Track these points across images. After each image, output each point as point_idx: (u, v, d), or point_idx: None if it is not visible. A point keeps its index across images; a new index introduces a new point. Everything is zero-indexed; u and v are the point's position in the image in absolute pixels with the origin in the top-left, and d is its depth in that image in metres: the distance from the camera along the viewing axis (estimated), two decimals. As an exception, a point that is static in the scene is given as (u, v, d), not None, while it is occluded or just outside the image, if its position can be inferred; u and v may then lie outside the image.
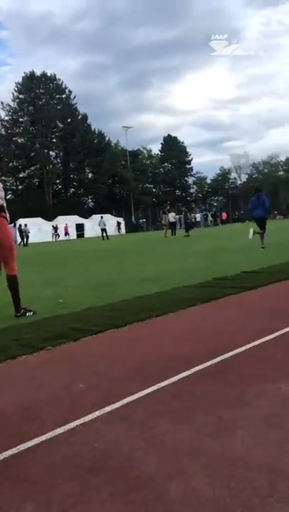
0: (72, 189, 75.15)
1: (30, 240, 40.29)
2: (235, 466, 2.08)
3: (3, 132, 68.84)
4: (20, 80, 70.16)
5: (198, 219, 51.17)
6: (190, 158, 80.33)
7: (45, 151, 69.91)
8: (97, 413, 2.76)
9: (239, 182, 79.52)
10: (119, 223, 56.23)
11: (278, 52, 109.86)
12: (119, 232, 55.02)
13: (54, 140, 71.11)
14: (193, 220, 41.64)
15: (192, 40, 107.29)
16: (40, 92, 70.47)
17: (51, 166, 71.05)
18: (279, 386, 2.96)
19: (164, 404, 2.84)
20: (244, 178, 79.18)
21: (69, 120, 71.34)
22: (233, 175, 79.62)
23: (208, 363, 3.52)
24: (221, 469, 2.07)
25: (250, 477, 1.98)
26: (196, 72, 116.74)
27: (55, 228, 50.76)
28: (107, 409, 2.83)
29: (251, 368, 3.37)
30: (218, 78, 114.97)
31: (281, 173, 75.76)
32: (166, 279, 8.31)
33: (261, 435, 2.34)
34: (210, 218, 54.18)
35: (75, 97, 72.77)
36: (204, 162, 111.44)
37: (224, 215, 58.18)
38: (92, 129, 72.66)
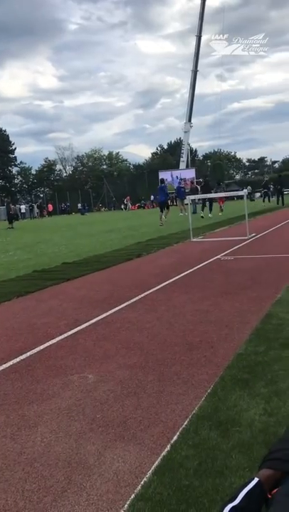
0: None
1: None
2: (33, 466, 1.99)
3: None
4: None
5: (23, 210, 49.61)
6: (13, 148, 76.98)
7: None
8: None
9: (65, 174, 79.33)
10: None
11: (98, 48, 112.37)
12: None
13: None
14: (18, 211, 40.18)
15: (12, 26, 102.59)
16: None
17: None
18: (86, 375, 2.96)
19: None
20: (69, 170, 79.28)
21: None
22: (59, 167, 78.99)
23: (17, 360, 3.35)
24: (18, 472, 1.95)
25: (47, 475, 1.91)
26: (18, 59, 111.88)
27: None
28: None
29: (60, 359, 3.31)
30: (41, 68, 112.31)
31: (104, 166, 77.99)
32: (-18, 274, 7.79)
33: (62, 429, 2.29)
34: (36, 210, 52.95)
35: None
36: (29, 152, 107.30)
37: (50, 207, 57.56)
38: None
